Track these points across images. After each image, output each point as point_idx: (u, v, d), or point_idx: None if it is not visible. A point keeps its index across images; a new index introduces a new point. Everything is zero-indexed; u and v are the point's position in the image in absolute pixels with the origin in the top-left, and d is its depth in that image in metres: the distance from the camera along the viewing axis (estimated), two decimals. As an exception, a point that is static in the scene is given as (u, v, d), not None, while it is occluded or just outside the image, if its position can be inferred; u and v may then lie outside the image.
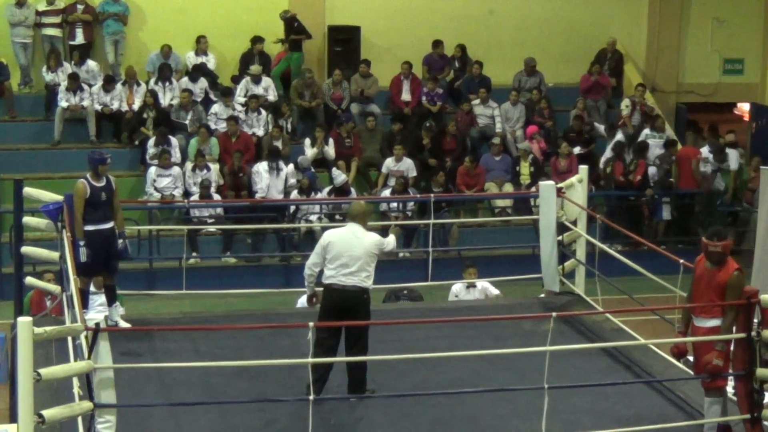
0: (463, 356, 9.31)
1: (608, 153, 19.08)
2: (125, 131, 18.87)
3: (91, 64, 19.27)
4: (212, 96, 19.38)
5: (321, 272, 9.21)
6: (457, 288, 13.12)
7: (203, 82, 19.46)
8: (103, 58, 19.51)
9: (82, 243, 10.28)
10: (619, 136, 19.24)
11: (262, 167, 17.89)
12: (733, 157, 19.16)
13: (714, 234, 8.56)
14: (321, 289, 9.21)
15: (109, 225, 10.48)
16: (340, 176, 18.03)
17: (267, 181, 17.84)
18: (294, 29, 19.74)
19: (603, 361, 10.09)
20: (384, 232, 17.67)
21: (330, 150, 18.66)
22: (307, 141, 18.82)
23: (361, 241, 9.11)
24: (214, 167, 18.03)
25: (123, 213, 17.13)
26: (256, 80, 19.40)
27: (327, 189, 18.11)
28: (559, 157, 18.72)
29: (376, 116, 19.44)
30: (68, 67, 19.06)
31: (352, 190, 18.29)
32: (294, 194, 17.78)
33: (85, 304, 10.41)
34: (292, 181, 18.05)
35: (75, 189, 10.36)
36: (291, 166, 18.17)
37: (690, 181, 18.91)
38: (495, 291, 13.01)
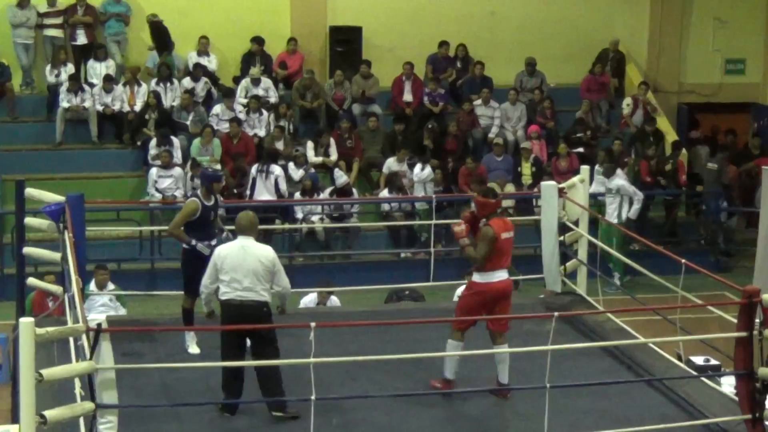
0: (464, 356, 9.31)
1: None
2: (127, 132, 18.89)
3: (95, 64, 19.30)
4: (213, 92, 19.39)
5: (217, 289, 8.98)
6: (462, 290, 13.07)
7: (204, 82, 19.47)
8: (112, 57, 19.51)
9: (194, 242, 9.87)
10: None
11: (252, 170, 17.89)
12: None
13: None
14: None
15: (212, 243, 9.97)
16: (341, 177, 18.03)
17: (256, 183, 17.81)
18: (159, 33, 19.59)
19: (605, 361, 10.09)
20: (387, 232, 17.91)
21: (331, 151, 18.68)
22: (309, 144, 18.82)
23: (251, 254, 8.84)
24: (216, 168, 18.04)
25: (124, 214, 17.44)
26: (256, 82, 19.41)
27: (329, 190, 18.11)
28: (559, 157, 18.74)
29: (377, 117, 19.45)
30: (71, 68, 19.10)
31: (354, 190, 18.31)
32: (297, 195, 17.79)
33: (189, 322, 10.13)
34: (298, 174, 18.02)
35: (185, 206, 10.08)
36: (290, 164, 18.16)
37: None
38: None
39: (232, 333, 8.85)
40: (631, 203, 17.19)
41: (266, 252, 8.94)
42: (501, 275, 9.23)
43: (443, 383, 9.30)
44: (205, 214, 10.01)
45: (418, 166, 18.38)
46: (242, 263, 8.82)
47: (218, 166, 18.07)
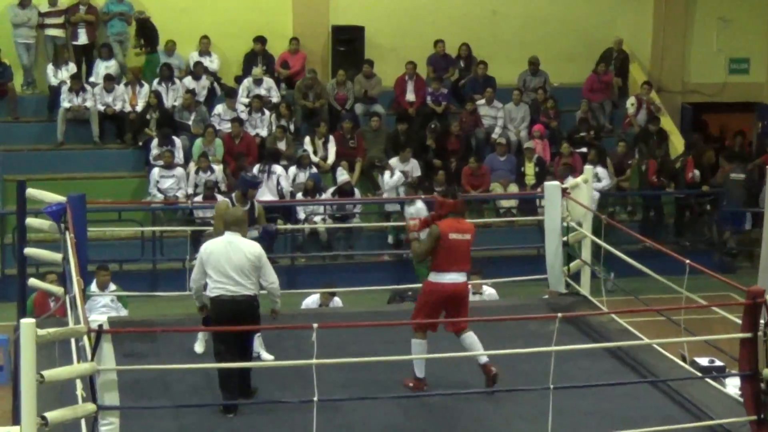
0: (467, 357, 9.28)
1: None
2: (129, 132, 18.86)
3: (101, 62, 19.28)
4: (216, 89, 19.38)
5: (206, 284, 9.04)
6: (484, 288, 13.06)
7: (206, 81, 19.44)
8: (114, 56, 19.48)
9: None
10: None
11: (254, 170, 17.84)
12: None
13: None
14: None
15: None
16: (342, 176, 18.02)
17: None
18: (146, 30, 19.55)
19: (608, 362, 10.06)
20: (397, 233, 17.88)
21: (330, 150, 18.64)
22: (307, 139, 18.81)
23: (237, 249, 8.89)
24: (218, 168, 18.01)
25: (126, 214, 17.40)
26: (258, 81, 19.38)
27: (331, 189, 18.08)
28: (562, 157, 18.71)
29: (380, 116, 19.42)
30: (72, 67, 19.07)
31: (356, 190, 18.26)
32: (299, 195, 17.76)
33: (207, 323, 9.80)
34: (301, 176, 18.01)
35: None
36: (293, 168, 18.14)
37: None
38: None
39: (227, 330, 8.85)
40: None
41: (252, 247, 8.98)
42: (453, 277, 9.24)
43: (415, 382, 9.35)
44: None
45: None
46: (228, 259, 8.88)
47: (221, 166, 18.07)
